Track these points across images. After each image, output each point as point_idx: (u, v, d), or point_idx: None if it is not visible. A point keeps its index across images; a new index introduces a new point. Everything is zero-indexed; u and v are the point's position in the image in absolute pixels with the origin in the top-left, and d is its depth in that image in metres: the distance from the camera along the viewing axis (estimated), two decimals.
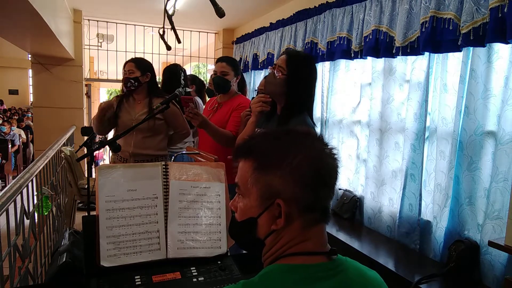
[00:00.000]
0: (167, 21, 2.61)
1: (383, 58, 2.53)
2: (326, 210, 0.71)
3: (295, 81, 1.68)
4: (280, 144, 0.71)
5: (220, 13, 2.12)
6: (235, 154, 0.74)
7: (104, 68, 6.30)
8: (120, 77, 2.58)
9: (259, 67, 4.37)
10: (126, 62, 2.50)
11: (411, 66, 2.32)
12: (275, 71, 1.71)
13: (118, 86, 2.79)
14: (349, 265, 0.72)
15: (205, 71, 6.76)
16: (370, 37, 2.53)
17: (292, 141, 0.72)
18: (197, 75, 4.43)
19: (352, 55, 2.74)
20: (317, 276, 0.67)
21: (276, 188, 0.68)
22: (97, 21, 5.10)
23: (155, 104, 2.43)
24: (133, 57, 2.58)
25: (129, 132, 2.12)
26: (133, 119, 2.45)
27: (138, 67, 2.45)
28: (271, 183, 0.68)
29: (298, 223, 0.69)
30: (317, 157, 0.69)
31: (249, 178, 0.70)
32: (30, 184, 2.04)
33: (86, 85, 5.19)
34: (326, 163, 0.70)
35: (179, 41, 2.73)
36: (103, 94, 13.33)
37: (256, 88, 2.36)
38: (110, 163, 2.83)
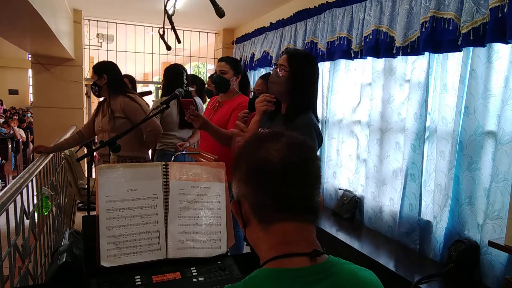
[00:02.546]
0: (167, 21, 2.61)
1: (383, 58, 2.53)
2: (295, 208, 0.69)
3: (299, 78, 1.70)
4: (239, 150, 0.76)
5: (220, 13, 2.12)
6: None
7: None
8: None
9: (253, 65, 4.38)
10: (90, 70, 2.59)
11: (411, 66, 2.32)
12: (278, 70, 1.72)
13: None
14: (341, 267, 0.70)
15: (205, 71, 6.76)
16: (370, 37, 2.53)
17: (244, 145, 0.75)
18: (197, 75, 4.43)
19: (352, 55, 2.74)
20: (304, 281, 0.65)
21: (233, 191, 0.75)
22: (97, 21, 5.10)
23: (116, 102, 2.47)
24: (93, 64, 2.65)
25: (129, 131, 2.11)
26: (101, 121, 2.54)
27: (95, 72, 2.52)
28: (232, 187, 0.75)
29: (255, 222, 0.71)
30: (257, 153, 0.69)
31: None
32: (30, 184, 2.04)
33: (86, 85, 5.19)
34: (270, 157, 0.68)
35: (179, 41, 2.73)
36: None
37: (252, 89, 2.35)
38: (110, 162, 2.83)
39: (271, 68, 1.94)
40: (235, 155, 0.76)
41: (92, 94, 5.43)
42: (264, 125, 1.83)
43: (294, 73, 1.70)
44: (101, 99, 2.71)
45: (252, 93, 2.34)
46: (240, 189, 0.72)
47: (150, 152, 3.16)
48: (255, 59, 4.35)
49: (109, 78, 2.50)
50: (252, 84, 4.54)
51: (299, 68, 1.71)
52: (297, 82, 1.70)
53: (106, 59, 5.38)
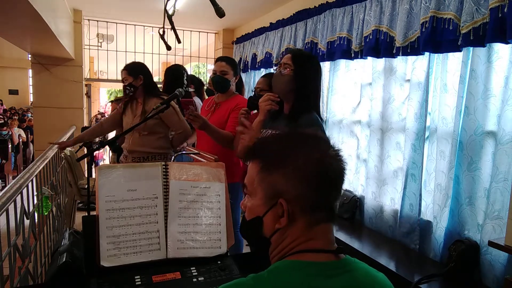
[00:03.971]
0: (167, 21, 2.61)
1: (383, 58, 2.53)
2: (331, 210, 0.73)
3: (302, 77, 1.69)
4: (284, 145, 0.74)
5: (220, 13, 2.11)
6: (245, 156, 0.78)
7: (104, 68, 6.30)
8: (120, 77, 2.65)
9: (257, 66, 4.37)
10: (122, 71, 2.60)
11: (412, 66, 2.32)
12: (281, 69, 1.71)
13: (118, 86, 2.87)
14: (357, 265, 0.74)
15: (205, 71, 6.75)
16: (370, 37, 2.53)
17: (296, 142, 0.74)
18: (197, 75, 4.43)
19: (352, 55, 2.74)
20: (324, 274, 0.68)
21: (279, 188, 0.70)
22: (97, 21, 5.10)
23: (150, 104, 2.48)
24: (126, 63, 2.67)
25: (129, 132, 2.13)
26: (131, 121, 2.54)
27: (130, 73, 2.54)
28: (275, 183, 0.70)
29: (302, 222, 0.70)
30: (320, 158, 0.70)
31: (255, 178, 0.73)
32: (30, 184, 2.04)
33: (86, 85, 5.18)
34: (329, 164, 0.70)
35: (179, 41, 2.73)
36: (103, 94, 13.31)
37: (253, 88, 2.35)
38: (110, 162, 2.89)
39: (273, 68, 1.95)
40: (282, 152, 0.72)
41: (89, 94, 5.47)
42: (266, 125, 1.82)
43: (298, 72, 1.69)
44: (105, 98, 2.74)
45: (253, 91, 2.34)
46: (293, 188, 0.69)
47: None
48: (258, 60, 4.35)
49: (145, 79, 2.55)
50: (251, 84, 4.54)
51: (303, 67, 1.70)
52: (301, 81, 1.68)
53: (106, 59, 5.44)
